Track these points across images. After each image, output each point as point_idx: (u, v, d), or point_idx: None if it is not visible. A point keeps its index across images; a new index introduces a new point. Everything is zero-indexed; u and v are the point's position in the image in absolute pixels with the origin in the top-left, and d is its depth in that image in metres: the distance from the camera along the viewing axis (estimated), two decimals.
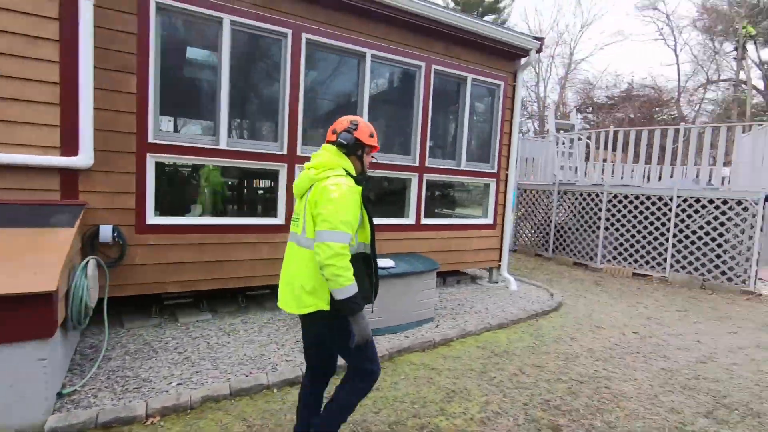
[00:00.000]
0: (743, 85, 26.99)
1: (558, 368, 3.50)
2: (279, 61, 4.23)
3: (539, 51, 5.78)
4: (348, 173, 1.94)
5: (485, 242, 5.97)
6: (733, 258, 6.17)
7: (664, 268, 6.69)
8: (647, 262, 6.87)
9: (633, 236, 6.99)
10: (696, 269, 6.43)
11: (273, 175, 4.42)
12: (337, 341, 1.93)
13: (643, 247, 6.89)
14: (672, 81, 32.32)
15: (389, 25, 4.78)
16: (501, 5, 43.88)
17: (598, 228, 7.35)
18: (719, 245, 6.26)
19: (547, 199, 8.41)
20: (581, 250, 7.68)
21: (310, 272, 1.85)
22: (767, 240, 7.39)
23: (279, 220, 4.32)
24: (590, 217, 7.59)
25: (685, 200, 6.50)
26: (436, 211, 5.82)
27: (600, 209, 7.35)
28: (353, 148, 1.99)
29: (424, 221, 5.38)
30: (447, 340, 3.91)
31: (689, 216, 6.49)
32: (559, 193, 8.18)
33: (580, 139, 9.12)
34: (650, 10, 33.07)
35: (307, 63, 4.34)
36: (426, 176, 5.33)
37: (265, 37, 4.16)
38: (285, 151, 4.26)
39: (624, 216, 7.09)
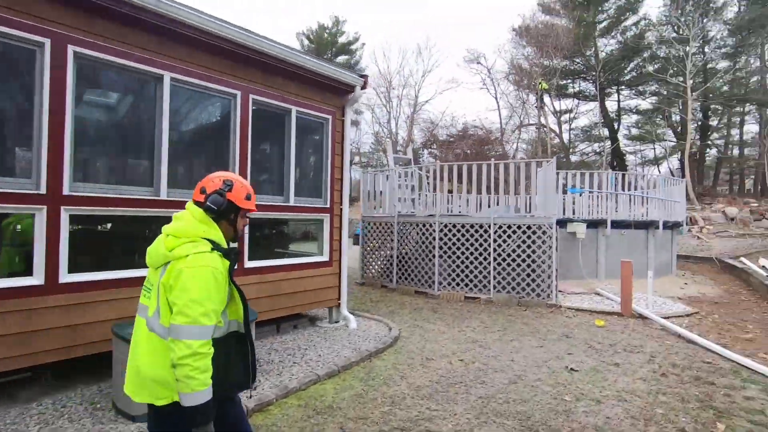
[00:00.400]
0: (544, 129, 33.35)
1: (382, 417, 3.27)
2: (34, 77, 3.33)
3: (364, 87, 5.91)
4: (215, 244, 1.68)
5: (322, 281, 5.67)
6: (539, 276, 7.06)
7: (489, 290, 7.31)
8: (476, 286, 7.44)
9: (463, 262, 7.53)
10: (513, 288, 7.17)
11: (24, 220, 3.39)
12: None
13: (471, 272, 7.47)
14: (496, 123, 38.14)
15: (194, 47, 4.27)
16: (353, 47, 46.99)
17: (434, 256, 7.75)
18: (528, 265, 7.10)
19: (390, 231, 8.63)
20: (421, 278, 7.99)
21: (161, 361, 1.59)
22: (566, 256, 8.77)
23: (36, 279, 3.29)
24: (426, 247, 7.99)
25: (500, 227, 7.28)
26: (267, 251, 5.33)
27: (434, 238, 7.78)
28: (225, 213, 1.76)
29: (249, 264, 4.83)
30: (264, 404, 3.39)
31: (504, 241, 7.27)
32: (400, 225, 8.47)
33: (410, 172, 9.71)
34: (475, 63, 38.89)
35: (79, 81, 3.53)
36: (250, 214, 4.81)
37: (13, 45, 3.24)
38: (44, 190, 3.32)
39: (454, 244, 7.63)
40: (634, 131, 35.01)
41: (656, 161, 35.68)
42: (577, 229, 8.39)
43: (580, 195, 8.95)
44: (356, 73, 5.92)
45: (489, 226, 7.32)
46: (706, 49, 29.37)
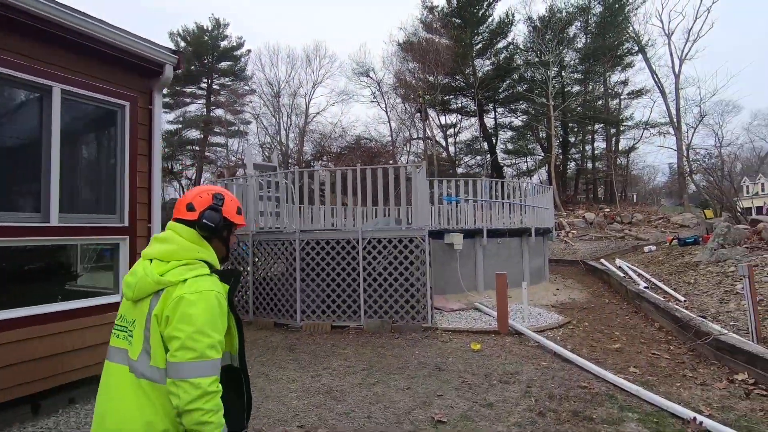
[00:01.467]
0: (431, 141, 34.51)
1: None
2: None
3: (178, 68, 4.50)
4: (211, 267, 1.47)
5: None
6: (413, 296, 6.23)
7: (360, 316, 6.29)
8: (344, 312, 6.36)
9: (328, 285, 6.41)
10: (386, 312, 6.24)
11: None
12: None
13: (339, 296, 6.38)
14: (387, 136, 38.55)
15: None
16: (237, 53, 44.07)
17: (295, 280, 6.50)
18: (401, 285, 6.24)
19: (245, 251, 7.17)
20: (282, 307, 6.66)
21: (159, 413, 1.29)
22: (446, 269, 8.18)
23: None
24: (287, 269, 6.71)
25: (369, 242, 6.33)
26: (13, 296, 3.56)
27: (294, 258, 6.54)
28: (219, 231, 1.52)
29: None
30: None
31: (374, 258, 6.33)
32: (256, 244, 7.06)
33: (275, 181, 8.40)
34: (365, 76, 38.97)
35: None
36: None
37: None
38: None
39: (318, 264, 6.47)
40: (510, 146, 38.16)
41: (529, 173, 39.28)
42: (454, 240, 7.86)
43: (457, 204, 8.55)
44: (166, 49, 4.47)
45: (357, 242, 6.33)
46: (564, 74, 33.21)
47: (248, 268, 7.05)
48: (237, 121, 43.82)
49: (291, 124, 42.60)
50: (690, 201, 31.81)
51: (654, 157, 57.04)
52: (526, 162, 38.59)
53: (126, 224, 4.19)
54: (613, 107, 35.22)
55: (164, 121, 41.75)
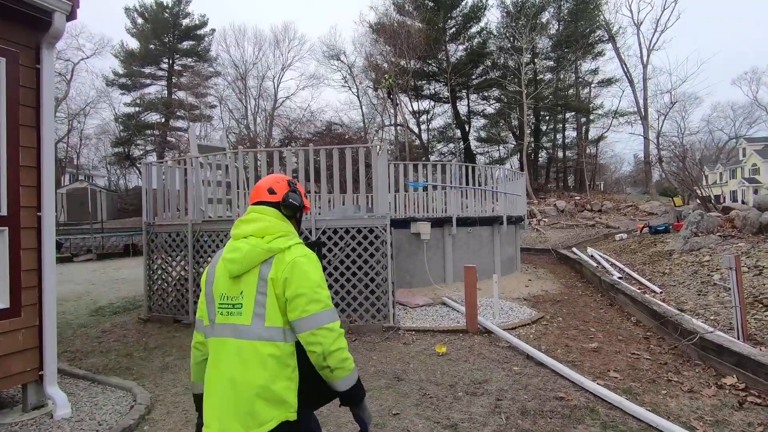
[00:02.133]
0: (402, 128, 33.82)
1: None
2: None
3: (72, 17, 3.60)
4: None
5: None
6: (373, 292, 5.59)
7: None
8: None
9: None
10: (342, 311, 5.57)
11: None
12: None
13: None
14: (359, 122, 37.59)
15: None
16: (200, 32, 41.75)
17: None
18: (360, 279, 5.59)
19: (183, 244, 6.32)
20: None
21: (274, 373, 1.43)
22: (412, 260, 7.58)
23: None
24: None
25: (324, 232, 5.62)
26: None
27: None
28: (298, 211, 1.73)
29: None
30: None
31: (329, 250, 5.63)
32: (198, 235, 6.22)
33: (225, 164, 7.53)
34: (335, 60, 37.72)
35: None
36: None
37: None
38: None
39: None
40: (483, 134, 37.96)
41: (501, 161, 39.26)
42: (421, 230, 7.25)
43: (424, 190, 7.93)
44: None
45: (311, 232, 5.60)
46: (536, 61, 33.06)
47: (188, 265, 6.22)
48: (201, 105, 41.79)
49: (259, 109, 41.02)
50: (654, 189, 32.57)
51: (624, 144, 58.40)
52: (499, 150, 38.55)
53: (4, 213, 3.33)
54: (584, 96, 35.48)
55: (121, 102, 39.30)
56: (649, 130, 33.78)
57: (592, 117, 35.62)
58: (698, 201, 11.98)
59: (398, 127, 31.49)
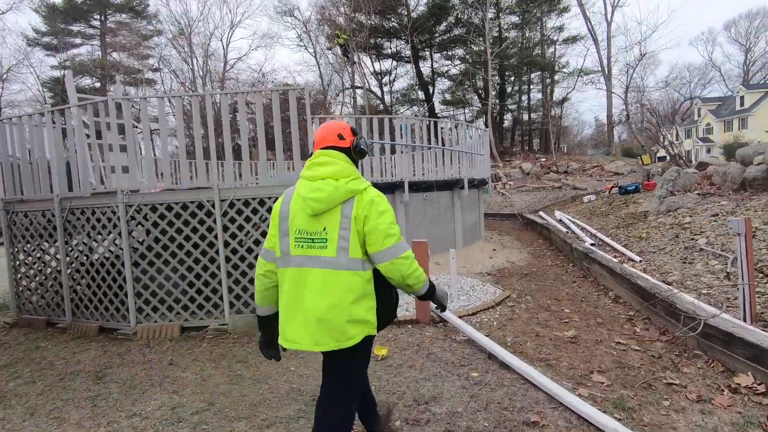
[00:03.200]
0: (368, 91, 31.96)
1: None
2: None
3: None
4: None
5: None
6: None
7: (223, 311, 4.38)
8: (201, 307, 4.42)
9: (175, 270, 4.38)
10: (247, 304, 4.37)
11: None
12: (368, 356, 1.97)
13: (191, 285, 4.39)
14: (318, 85, 35.29)
15: None
16: None
17: (123, 265, 4.39)
18: None
19: (51, 226, 4.86)
20: (110, 305, 4.55)
21: (359, 298, 1.71)
22: None
23: None
24: (120, 247, 4.56)
25: (232, 205, 4.32)
26: None
27: (120, 233, 4.39)
28: (365, 156, 1.91)
29: None
30: None
31: (240, 227, 4.36)
32: (69, 213, 4.76)
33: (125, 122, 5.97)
34: (289, 16, 34.81)
35: None
36: None
37: None
38: None
39: (158, 240, 4.38)
40: (447, 96, 36.55)
41: (467, 124, 38.22)
42: None
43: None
44: None
45: (213, 204, 4.30)
46: (501, 16, 31.58)
47: (60, 252, 4.80)
48: (142, 68, 38.00)
49: (208, 72, 37.72)
50: (618, 149, 32.64)
51: (588, 105, 58.53)
52: (464, 113, 37.37)
53: None
54: (549, 55, 34.54)
55: (47, 65, 35.07)
56: (612, 88, 33.48)
57: (557, 78, 34.92)
58: (668, 158, 11.37)
59: (359, 90, 29.63)
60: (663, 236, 6.30)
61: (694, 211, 6.75)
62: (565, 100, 36.50)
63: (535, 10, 30.02)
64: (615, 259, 5.80)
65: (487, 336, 4.02)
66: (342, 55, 26.97)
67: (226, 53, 39.18)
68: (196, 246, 4.35)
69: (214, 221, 4.30)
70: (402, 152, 6.77)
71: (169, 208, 4.34)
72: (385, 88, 35.26)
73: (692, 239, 5.79)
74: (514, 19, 32.83)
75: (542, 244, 8.54)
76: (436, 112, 34.51)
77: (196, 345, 4.11)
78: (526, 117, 37.42)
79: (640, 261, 5.67)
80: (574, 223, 8.90)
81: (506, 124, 37.48)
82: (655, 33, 73.96)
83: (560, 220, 9.56)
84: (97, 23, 35.78)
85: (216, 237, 4.31)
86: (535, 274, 6.31)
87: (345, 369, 1.82)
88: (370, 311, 1.74)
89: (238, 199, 4.32)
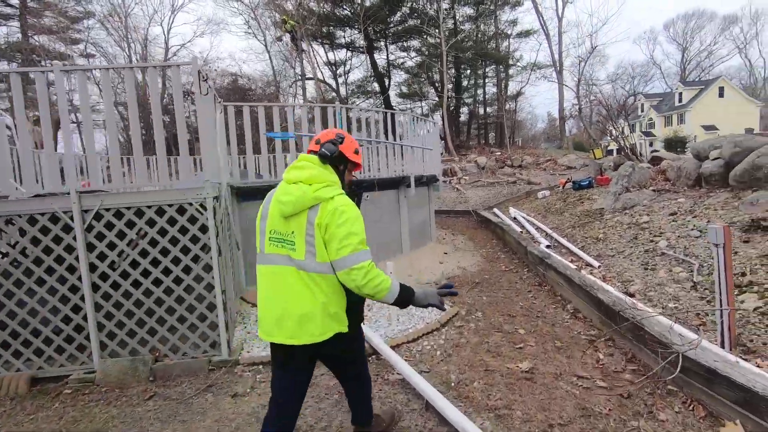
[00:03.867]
0: (322, 82, 30.68)
1: None
2: None
3: None
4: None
5: None
6: (192, 308, 3.48)
7: (90, 355, 3.37)
8: (61, 350, 3.38)
9: (21, 303, 3.31)
10: (143, 342, 3.41)
11: None
12: (359, 352, 2.15)
13: (46, 321, 3.34)
14: (270, 75, 33.57)
15: None
16: None
17: None
18: (170, 290, 3.43)
19: None
20: None
21: (329, 295, 1.80)
22: None
23: None
24: None
25: (100, 217, 3.30)
26: None
27: None
28: (335, 161, 1.92)
29: None
30: None
31: (112, 246, 3.35)
32: None
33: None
34: (235, 1, 32.79)
35: None
36: None
37: None
38: None
39: None
40: (404, 89, 35.87)
41: (416, 117, 37.75)
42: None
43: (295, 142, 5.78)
44: None
45: (72, 217, 3.26)
46: (456, 8, 31.20)
47: None
48: (74, 53, 34.58)
49: (148, 59, 34.84)
50: (570, 143, 33.35)
51: (542, 98, 59.91)
52: (421, 106, 36.88)
53: None
54: (503, 50, 34.65)
55: None
56: (563, 83, 34.13)
57: (511, 72, 35.14)
58: (621, 152, 11.24)
59: (311, 81, 28.32)
60: (621, 237, 5.85)
61: (650, 209, 6.38)
62: (519, 94, 36.89)
63: (489, 3, 29.86)
64: (572, 265, 5.27)
65: (428, 372, 3.30)
66: (292, 44, 25.53)
67: (167, 39, 36.55)
68: (50, 271, 3.30)
69: (74, 238, 3.27)
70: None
71: (10, 222, 3.27)
72: (340, 80, 34.09)
73: (652, 241, 5.35)
74: (469, 11, 32.57)
75: (496, 245, 7.98)
76: (393, 104, 33.78)
77: (46, 405, 3.09)
78: (481, 111, 37.50)
79: (599, 267, 5.17)
80: (528, 221, 8.42)
81: (462, 117, 37.39)
82: (606, 26, 76.94)
83: (515, 218, 9.07)
84: (16, 1, 32.09)
85: (77, 258, 3.29)
86: (488, 282, 5.68)
87: (342, 363, 2.08)
88: (341, 310, 1.84)
89: (108, 209, 3.31)
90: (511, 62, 33.85)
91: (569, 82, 33.02)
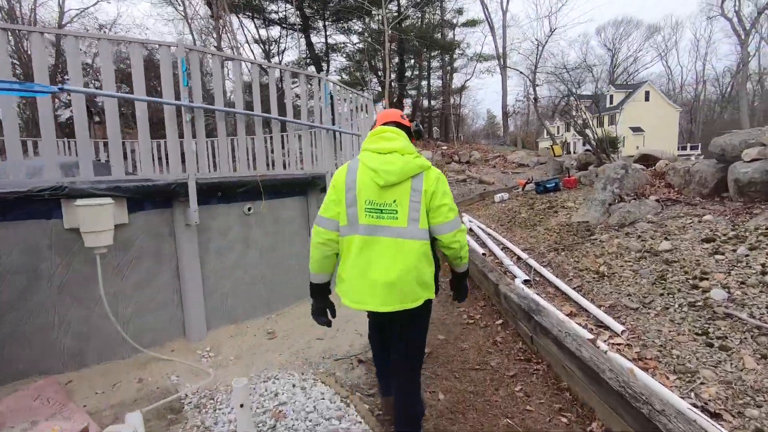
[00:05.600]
0: (251, 64, 27.11)
1: None
2: None
3: None
4: None
5: None
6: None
7: None
8: None
9: None
10: None
11: None
12: (426, 327, 2.13)
13: None
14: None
15: None
16: None
17: None
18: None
19: None
20: None
21: (426, 264, 1.88)
22: (59, 298, 2.95)
23: None
24: None
25: None
26: None
27: None
28: (420, 137, 2.15)
29: None
30: None
31: None
32: None
33: None
34: None
35: None
36: None
37: None
38: None
39: None
40: (345, 76, 33.21)
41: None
42: (86, 221, 2.63)
43: None
44: None
45: None
46: None
47: None
48: None
49: (37, 25, 29.06)
50: (513, 139, 32.73)
51: (483, 93, 59.91)
52: (363, 96, 34.46)
53: None
54: (449, 39, 33.18)
55: None
56: (507, 79, 33.42)
57: (457, 64, 33.83)
58: (590, 149, 9.71)
59: (250, 63, 24.74)
60: (637, 275, 3.91)
61: (664, 228, 4.54)
62: (463, 88, 35.74)
63: None
64: (583, 330, 3.21)
65: None
66: (209, 14, 21.93)
67: (62, 3, 30.79)
68: None
69: None
70: (187, 121, 3.34)
71: None
72: (273, 60, 30.67)
73: (695, 286, 3.43)
74: None
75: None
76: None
77: None
78: (426, 103, 35.88)
79: (623, 332, 3.16)
80: (491, 237, 6.39)
81: (407, 110, 35.52)
82: (566, 6, 78.14)
83: (470, 230, 7.03)
84: None
85: None
86: (444, 353, 3.49)
87: (413, 332, 2.02)
88: (432, 276, 1.93)
89: None
90: (457, 51, 32.45)
91: (517, 75, 32.23)
